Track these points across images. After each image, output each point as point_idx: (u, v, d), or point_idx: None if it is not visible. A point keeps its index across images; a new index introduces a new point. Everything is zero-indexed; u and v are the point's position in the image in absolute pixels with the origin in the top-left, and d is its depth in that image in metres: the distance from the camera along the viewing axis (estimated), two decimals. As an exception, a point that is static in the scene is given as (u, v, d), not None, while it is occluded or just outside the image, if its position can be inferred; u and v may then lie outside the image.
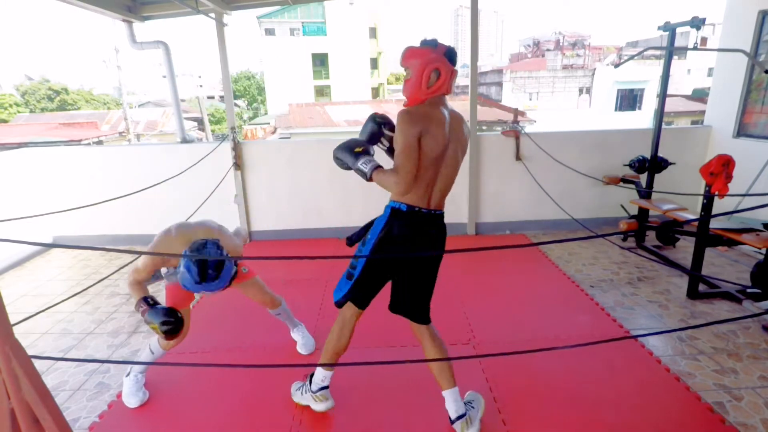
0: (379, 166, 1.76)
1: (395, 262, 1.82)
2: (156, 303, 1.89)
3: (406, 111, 1.66)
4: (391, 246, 1.75)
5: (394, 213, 1.75)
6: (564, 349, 2.39)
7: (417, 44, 1.73)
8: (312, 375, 2.01)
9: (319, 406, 1.97)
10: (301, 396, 2.05)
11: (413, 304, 1.90)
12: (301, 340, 2.52)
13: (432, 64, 1.65)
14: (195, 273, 1.72)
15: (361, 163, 1.77)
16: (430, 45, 1.69)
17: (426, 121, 1.64)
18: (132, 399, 2.12)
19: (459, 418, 1.84)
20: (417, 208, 1.73)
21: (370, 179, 1.75)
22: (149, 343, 2.15)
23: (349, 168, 1.82)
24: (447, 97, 1.76)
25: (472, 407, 1.91)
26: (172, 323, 1.80)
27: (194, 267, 1.72)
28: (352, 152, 1.80)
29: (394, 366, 2.33)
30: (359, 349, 2.52)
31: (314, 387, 1.98)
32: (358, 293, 1.83)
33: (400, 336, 2.64)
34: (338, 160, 1.84)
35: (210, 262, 1.74)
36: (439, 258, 1.87)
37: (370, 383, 2.23)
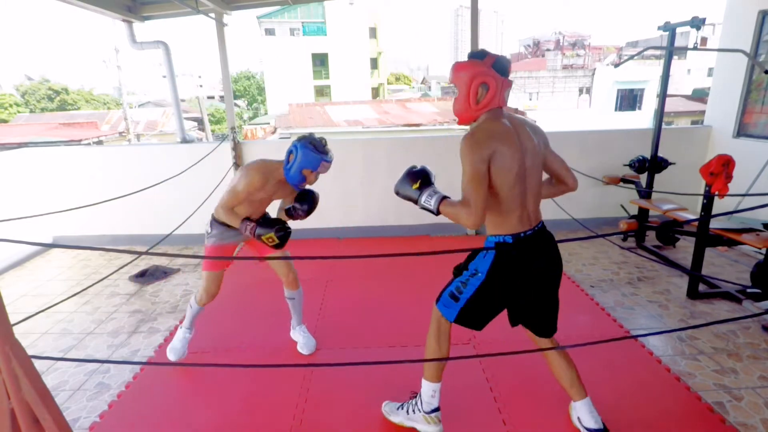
0: (445, 197, 1.63)
1: (510, 295, 1.71)
2: (259, 219, 2.14)
3: (471, 135, 1.56)
4: (506, 281, 1.64)
5: (499, 248, 1.62)
6: (564, 349, 2.39)
7: (465, 58, 1.64)
8: (418, 394, 1.88)
9: (429, 429, 1.84)
10: (406, 416, 1.89)
11: (539, 322, 1.83)
12: (302, 340, 2.52)
13: (479, 78, 1.55)
14: (316, 145, 2.10)
15: (425, 198, 1.66)
16: (477, 57, 1.58)
17: (492, 140, 1.53)
18: (173, 354, 2.40)
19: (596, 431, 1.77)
20: (522, 235, 1.60)
21: (438, 214, 1.63)
22: (190, 302, 2.39)
23: (416, 203, 1.71)
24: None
25: (407, 410, 1.90)
26: (286, 228, 2.08)
27: (311, 144, 2.09)
28: (411, 187, 1.72)
29: (394, 366, 2.33)
30: (359, 349, 2.52)
31: (426, 407, 1.84)
32: (467, 317, 1.73)
33: (400, 336, 2.64)
34: (404, 197, 1.77)
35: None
36: (559, 271, 1.72)
37: (370, 383, 2.23)
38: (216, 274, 2.34)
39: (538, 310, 1.77)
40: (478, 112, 1.61)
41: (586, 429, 1.79)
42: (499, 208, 1.59)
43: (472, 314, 1.71)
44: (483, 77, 1.54)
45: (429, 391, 1.84)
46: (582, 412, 1.80)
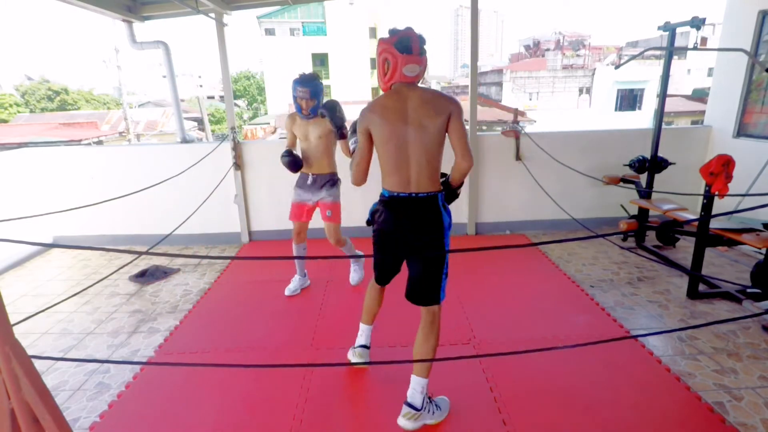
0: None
1: (381, 248, 1.97)
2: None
3: (363, 108, 1.86)
4: (378, 231, 1.93)
5: (380, 199, 1.90)
6: (564, 349, 2.40)
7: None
8: (430, 397, 1.93)
9: (442, 415, 1.96)
10: (430, 417, 1.91)
11: (408, 285, 1.96)
12: (354, 273, 3.34)
13: (383, 54, 1.77)
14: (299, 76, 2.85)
15: (353, 141, 2.17)
16: (387, 35, 1.80)
17: (372, 114, 1.79)
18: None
19: (411, 406, 1.85)
20: (396, 194, 1.82)
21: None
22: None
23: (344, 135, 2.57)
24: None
25: (431, 411, 1.90)
26: (289, 155, 2.93)
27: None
28: (350, 129, 2.25)
29: (393, 366, 2.33)
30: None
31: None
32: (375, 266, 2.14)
33: (400, 336, 2.64)
34: (340, 117, 2.55)
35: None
36: (426, 240, 1.84)
37: (370, 383, 2.23)
38: (295, 225, 3.16)
39: (409, 273, 1.94)
40: (387, 84, 1.82)
41: (406, 400, 1.89)
42: (384, 168, 1.84)
43: (375, 264, 2.08)
44: (386, 54, 1.76)
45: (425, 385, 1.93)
46: (414, 386, 1.89)
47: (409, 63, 1.75)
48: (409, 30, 1.78)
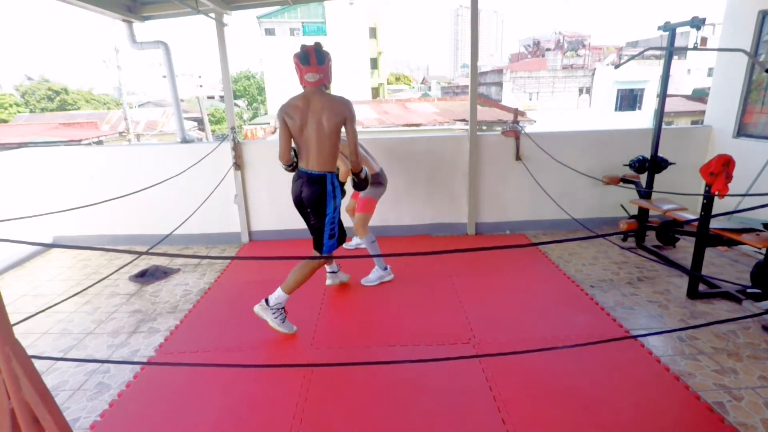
0: None
1: (296, 205, 2.69)
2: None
3: (282, 104, 2.50)
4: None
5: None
6: (563, 349, 2.40)
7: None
8: (284, 312, 2.64)
9: (280, 327, 2.61)
10: (272, 319, 2.62)
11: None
12: (373, 274, 3.37)
13: (295, 65, 2.44)
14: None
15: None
16: (299, 50, 2.44)
17: (284, 109, 2.46)
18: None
19: (266, 300, 2.60)
20: (302, 170, 2.56)
21: None
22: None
23: None
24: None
25: (276, 316, 2.61)
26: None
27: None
28: None
29: (393, 366, 2.33)
30: (359, 349, 2.52)
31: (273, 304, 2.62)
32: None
33: (399, 335, 2.64)
34: None
35: None
36: (310, 203, 2.55)
37: (370, 383, 2.23)
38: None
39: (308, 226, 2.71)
40: (302, 85, 2.47)
41: (266, 300, 2.61)
42: (297, 151, 2.58)
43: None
44: (295, 64, 2.43)
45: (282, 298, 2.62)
46: (277, 295, 2.60)
47: (308, 72, 2.41)
48: (309, 47, 2.41)
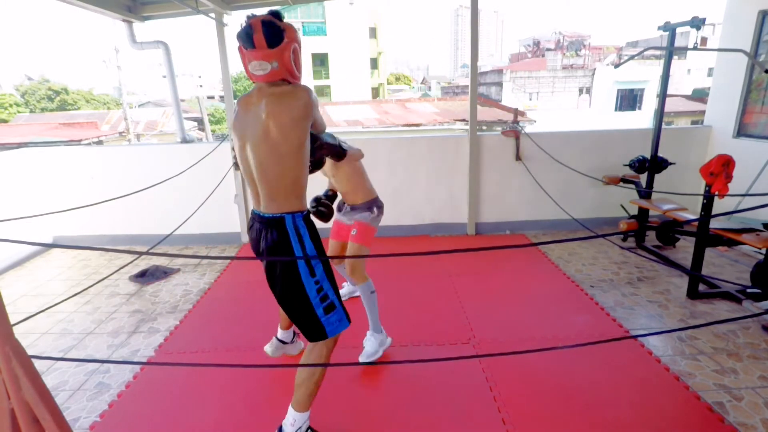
0: None
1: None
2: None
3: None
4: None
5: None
6: (564, 349, 2.39)
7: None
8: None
9: None
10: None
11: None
12: (367, 342, 2.40)
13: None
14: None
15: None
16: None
17: (234, 118, 1.61)
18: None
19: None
20: (254, 211, 1.67)
21: None
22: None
23: None
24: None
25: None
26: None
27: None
28: None
29: (393, 365, 2.33)
30: (359, 349, 2.52)
31: None
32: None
33: (399, 335, 2.64)
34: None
35: None
36: (282, 270, 1.60)
37: (370, 382, 2.23)
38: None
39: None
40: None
41: None
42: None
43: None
44: (238, 48, 1.57)
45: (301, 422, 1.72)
46: (295, 418, 1.72)
47: (253, 58, 1.50)
48: (256, 18, 1.49)
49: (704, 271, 3.18)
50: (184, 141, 4.56)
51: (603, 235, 1.44)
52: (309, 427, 1.75)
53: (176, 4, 3.92)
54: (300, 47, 1.61)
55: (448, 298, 3.11)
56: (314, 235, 1.64)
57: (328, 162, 2.23)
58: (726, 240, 2.97)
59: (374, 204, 2.42)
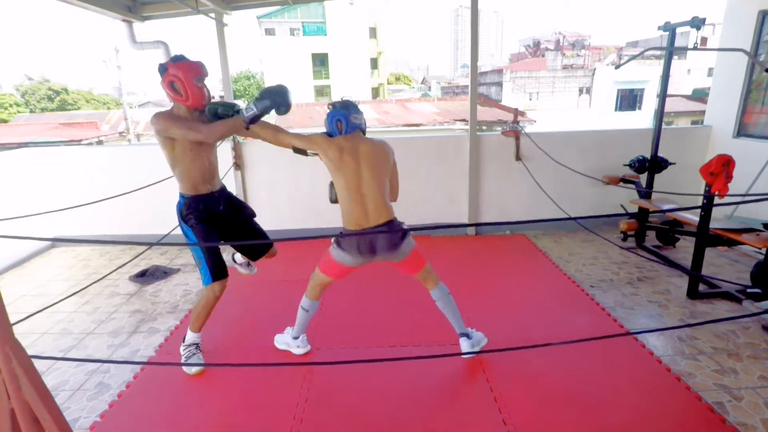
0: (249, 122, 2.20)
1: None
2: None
3: None
4: None
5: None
6: (564, 348, 2.39)
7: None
8: (197, 346, 2.41)
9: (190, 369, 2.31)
10: (184, 357, 2.37)
11: None
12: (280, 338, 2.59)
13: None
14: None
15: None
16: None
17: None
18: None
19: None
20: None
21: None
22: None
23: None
24: None
25: (186, 355, 2.35)
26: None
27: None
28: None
29: (393, 365, 2.33)
30: (359, 349, 2.52)
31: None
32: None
33: (399, 335, 2.64)
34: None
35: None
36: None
37: (370, 382, 2.23)
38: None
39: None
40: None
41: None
42: None
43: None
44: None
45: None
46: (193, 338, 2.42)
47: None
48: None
49: (704, 271, 3.18)
50: (184, 141, 4.55)
51: (602, 236, 1.44)
52: (196, 344, 2.42)
53: (176, 4, 3.93)
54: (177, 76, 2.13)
55: (448, 298, 3.10)
56: (195, 217, 2.40)
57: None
58: (726, 240, 2.97)
59: (338, 236, 2.20)
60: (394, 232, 2.05)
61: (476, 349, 2.33)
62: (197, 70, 2.16)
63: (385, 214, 2.08)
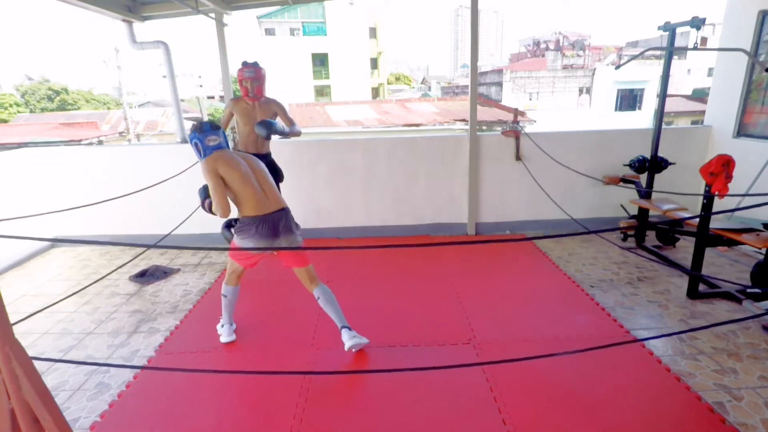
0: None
1: None
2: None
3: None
4: None
5: None
6: (564, 348, 2.39)
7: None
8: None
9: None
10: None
11: None
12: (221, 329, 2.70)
13: None
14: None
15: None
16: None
17: None
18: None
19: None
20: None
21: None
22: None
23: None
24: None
25: None
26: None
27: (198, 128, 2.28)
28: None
29: (393, 364, 2.33)
30: (358, 353, 2.52)
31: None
32: None
33: (400, 336, 2.64)
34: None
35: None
36: None
37: (370, 383, 2.23)
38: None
39: None
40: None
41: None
42: None
43: None
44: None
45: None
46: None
47: None
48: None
49: (704, 271, 3.18)
50: (184, 141, 4.56)
51: (600, 231, 1.44)
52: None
53: (176, 4, 3.93)
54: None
55: (449, 299, 3.11)
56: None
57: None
58: (726, 240, 2.97)
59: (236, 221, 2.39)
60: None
61: (355, 340, 2.40)
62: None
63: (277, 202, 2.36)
